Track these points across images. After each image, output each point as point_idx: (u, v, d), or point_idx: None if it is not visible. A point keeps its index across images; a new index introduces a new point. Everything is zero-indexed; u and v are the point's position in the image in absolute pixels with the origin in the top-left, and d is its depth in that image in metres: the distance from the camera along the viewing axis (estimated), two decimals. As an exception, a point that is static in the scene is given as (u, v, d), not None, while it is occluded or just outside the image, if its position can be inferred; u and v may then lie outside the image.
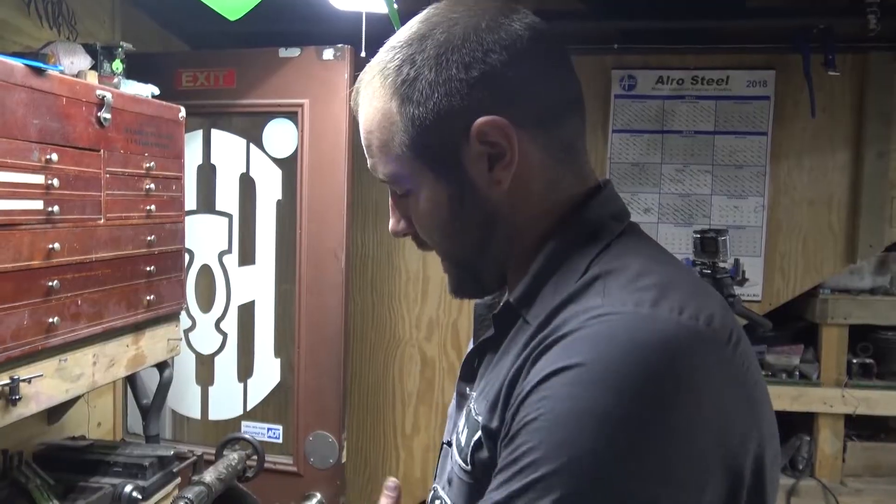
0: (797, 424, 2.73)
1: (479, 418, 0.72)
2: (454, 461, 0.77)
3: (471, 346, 0.93)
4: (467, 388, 0.82)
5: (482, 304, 0.92)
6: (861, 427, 2.74)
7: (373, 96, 0.76)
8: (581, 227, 0.75)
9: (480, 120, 0.71)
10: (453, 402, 0.90)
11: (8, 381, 1.28)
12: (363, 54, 1.92)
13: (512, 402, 0.66)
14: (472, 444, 0.73)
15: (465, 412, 0.79)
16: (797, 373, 2.69)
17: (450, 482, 0.77)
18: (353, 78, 2.02)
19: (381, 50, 0.78)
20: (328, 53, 2.10)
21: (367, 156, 0.80)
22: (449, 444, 0.82)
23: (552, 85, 0.76)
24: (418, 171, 0.75)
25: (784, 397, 2.64)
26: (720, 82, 2.67)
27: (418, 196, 0.77)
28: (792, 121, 2.65)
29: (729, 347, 0.64)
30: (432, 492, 0.83)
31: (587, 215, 0.75)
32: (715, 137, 2.69)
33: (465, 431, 0.75)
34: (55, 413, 1.84)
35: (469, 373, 0.84)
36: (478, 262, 0.80)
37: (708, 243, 2.05)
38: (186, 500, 1.44)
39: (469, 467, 0.73)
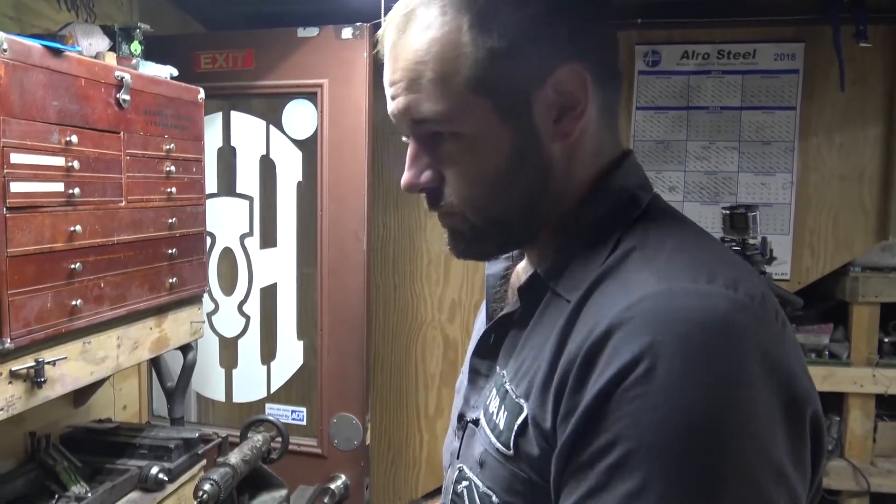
0: (827, 404, 2.67)
1: (522, 402, 0.69)
2: (488, 443, 0.73)
3: (481, 318, 0.90)
4: (496, 367, 0.78)
5: (494, 275, 0.89)
6: (892, 407, 2.69)
7: (427, 25, 0.69)
8: (610, 197, 0.72)
9: (563, 67, 0.68)
10: (462, 378, 0.87)
11: (33, 363, 1.29)
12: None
13: (572, 391, 0.62)
14: (514, 428, 0.69)
15: (496, 392, 0.75)
16: (827, 352, 2.63)
17: (481, 464, 0.74)
18: (373, 57, 1.99)
19: None
20: (347, 32, 2.07)
21: (400, 93, 0.71)
22: (475, 422, 0.78)
23: (614, 43, 0.75)
24: (479, 112, 0.69)
25: (813, 377, 2.56)
26: (747, 56, 2.60)
27: (472, 140, 0.70)
28: (822, 94, 2.57)
29: (779, 324, 0.62)
30: (457, 472, 0.79)
31: (616, 185, 0.73)
32: (742, 113, 2.63)
33: (504, 414, 0.71)
34: (81, 396, 1.86)
35: (486, 349, 0.80)
36: (517, 220, 0.74)
37: (738, 219, 2.00)
38: (212, 482, 1.44)
39: (511, 452, 0.69)
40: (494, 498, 0.71)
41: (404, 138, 0.77)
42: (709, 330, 0.57)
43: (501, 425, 0.71)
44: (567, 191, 0.73)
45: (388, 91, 0.74)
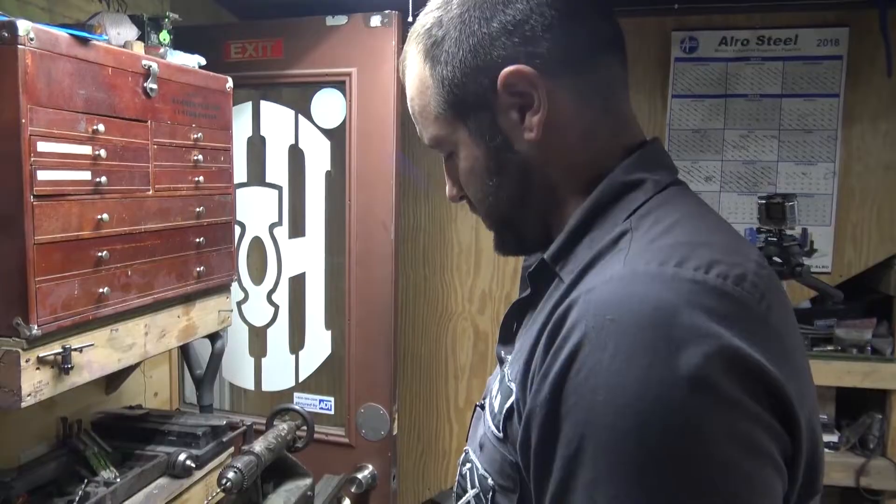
0: (869, 402, 2.60)
1: (512, 385, 0.70)
2: (487, 426, 0.76)
3: None
4: (502, 352, 0.81)
5: (528, 266, 0.90)
6: (938, 405, 2.59)
7: (412, 63, 0.79)
8: (620, 182, 0.72)
9: (504, 70, 0.71)
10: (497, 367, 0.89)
11: (60, 349, 1.30)
12: (410, 19, 1.87)
13: (541, 376, 0.61)
14: (504, 411, 0.71)
15: (500, 376, 0.77)
16: (869, 348, 2.55)
17: (481, 447, 0.76)
18: (401, 44, 1.97)
19: (420, 14, 0.80)
20: (375, 20, 2.06)
21: (415, 123, 0.82)
22: (482, 406, 0.82)
23: (580, 29, 0.73)
24: (454, 132, 0.77)
25: (855, 373, 2.51)
26: (788, 42, 2.52)
27: (459, 156, 0.79)
28: (867, 81, 2.48)
29: (761, 307, 0.59)
30: (464, 454, 0.82)
31: (628, 170, 0.73)
32: (782, 101, 2.55)
33: (499, 397, 0.74)
34: (113, 383, 1.89)
35: (507, 336, 0.82)
36: (518, 218, 0.79)
37: (774, 209, 1.93)
38: (236, 470, 1.45)
39: (501, 434, 0.71)
40: (490, 480, 0.73)
41: None
42: (656, 314, 0.56)
43: (496, 408, 0.73)
44: (563, 182, 0.75)
45: None
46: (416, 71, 0.78)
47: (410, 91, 0.80)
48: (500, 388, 0.75)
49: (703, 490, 0.53)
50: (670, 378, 0.53)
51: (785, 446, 0.57)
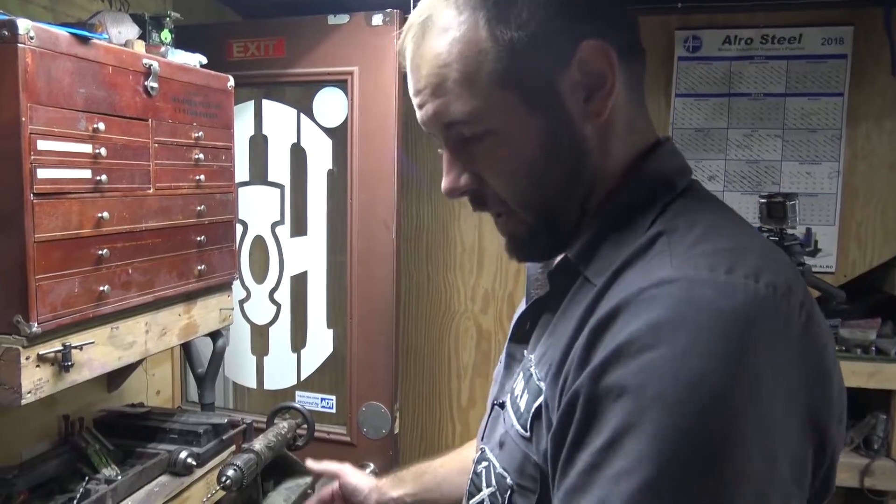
0: (873, 402, 2.58)
1: (542, 385, 0.69)
2: (509, 424, 0.74)
3: (522, 306, 0.90)
4: (523, 351, 0.79)
5: (535, 265, 0.88)
6: (944, 406, 2.58)
7: (445, 29, 0.69)
8: (645, 181, 0.71)
9: (586, 44, 0.67)
10: (500, 364, 0.87)
11: (60, 347, 1.30)
12: (412, 18, 1.87)
13: (576, 371, 0.61)
14: (532, 410, 0.69)
15: (522, 375, 0.75)
16: (874, 348, 2.53)
17: (501, 445, 0.75)
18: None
19: None
20: (377, 19, 2.06)
21: (427, 100, 0.72)
22: (502, 405, 0.79)
23: (633, 22, 0.73)
24: (508, 105, 0.69)
25: (859, 374, 2.49)
26: (792, 41, 2.51)
27: (503, 134, 0.70)
28: (871, 80, 2.47)
29: (802, 318, 0.59)
30: (479, 452, 0.80)
31: (652, 169, 0.71)
32: (786, 100, 2.54)
33: (526, 396, 0.72)
34: (115, 380, 1.89)
35: (522, 334, 0.81)
36: (561, 209, 0.73)
37: (775, 208, 1.92)
38: (235, 468, 1.45)
39: (528, 434, 0.70)
40: (508, 479, 0.71)
41: (440, 150, 0.77)
42: (721, 318, 0.55)
43: (522, 407, 0.71)
44: (604, 173, 0.72)
45: (416, 101, 0.74)
46: (458, 35, 0.68)
47: (443, 59, 0.69)
48: (526, 386, 0.73)
49: (733, 495, 0.54)
50: (727, 383, 0.54)
51: (814, 453, 0.59)
